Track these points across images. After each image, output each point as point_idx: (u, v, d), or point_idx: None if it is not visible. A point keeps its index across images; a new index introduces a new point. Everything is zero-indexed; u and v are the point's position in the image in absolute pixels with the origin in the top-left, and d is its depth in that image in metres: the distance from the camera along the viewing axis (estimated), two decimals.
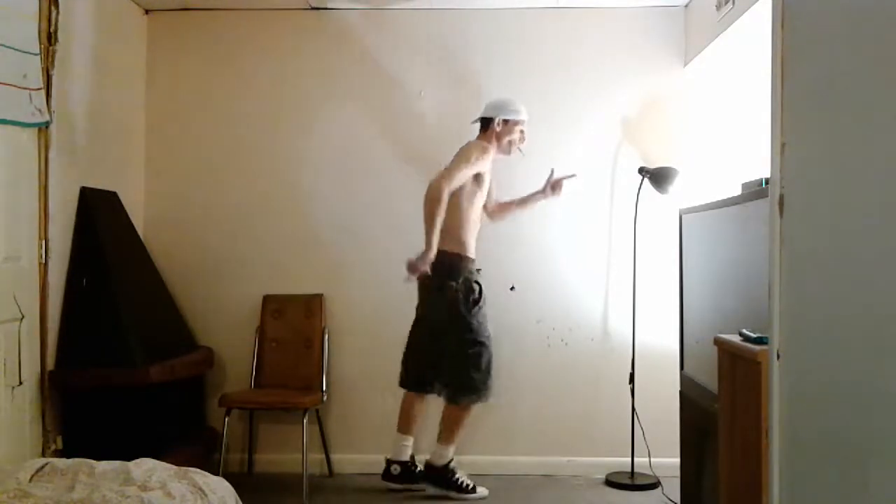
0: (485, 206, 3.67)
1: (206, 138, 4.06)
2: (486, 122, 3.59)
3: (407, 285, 3.47)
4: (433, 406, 3.64)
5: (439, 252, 3.37)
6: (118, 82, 3.83)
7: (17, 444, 2.97)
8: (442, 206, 3.30)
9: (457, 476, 3.50)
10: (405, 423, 3.56)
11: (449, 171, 3.37)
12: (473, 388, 3.46)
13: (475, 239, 3.53)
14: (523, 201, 3.77)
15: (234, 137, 4.05)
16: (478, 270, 3.50)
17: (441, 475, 3.50)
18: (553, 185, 3.74)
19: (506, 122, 3.55)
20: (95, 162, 3.57)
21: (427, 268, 3.30)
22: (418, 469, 3.55)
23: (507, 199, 3.81)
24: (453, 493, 3.48)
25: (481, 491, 3.52)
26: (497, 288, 3.88)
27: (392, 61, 4.03)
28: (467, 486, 3.50)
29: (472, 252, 3.47)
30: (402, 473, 3.53)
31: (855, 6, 1.31)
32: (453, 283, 3.40)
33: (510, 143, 3.56)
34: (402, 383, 3.59)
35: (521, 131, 3.59)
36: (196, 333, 3.96)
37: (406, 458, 3.55)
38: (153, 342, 3.41)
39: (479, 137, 3.59)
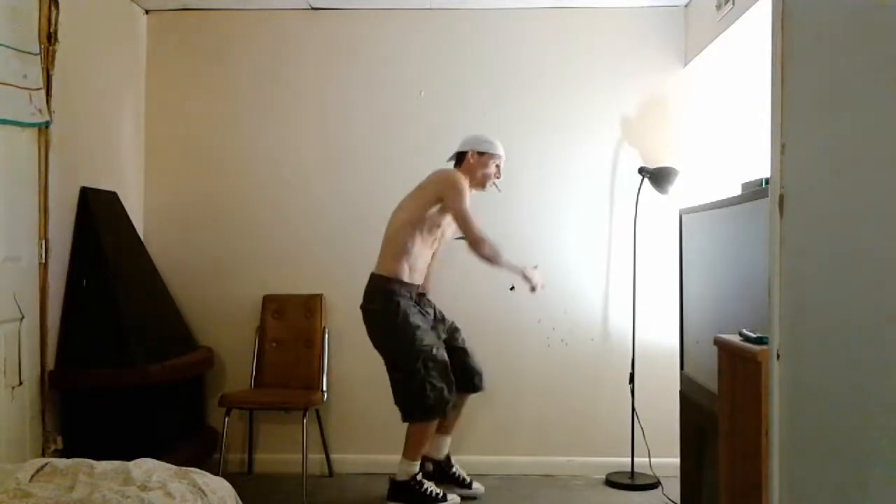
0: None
1: (206, 138, 4.06)
2: (460, 157, 3.49)
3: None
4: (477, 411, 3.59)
5: (371, 276, 3.37)
6: (118, 82, 3.83)
7: (17, 444, 2.96)
8: (490, 243, 3.28)
9: (425, 486, 3.37)
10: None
11: (464, 219, 3.29)
12: (409, 409, 3.32)
13: (418, 269, 3.38)
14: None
15: (233, 137, 4.05)
16: (420, 295, 3.40)
17: (407, 489, 3.36)
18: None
19: (480, 154, 3.44)
20: (95, 162, 3.58)
21: (536, 279, 3.42)
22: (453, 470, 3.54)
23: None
24: None
25: (452, 498, 3.42)
26: (497, 288, 3.88)
27: (392, 61, 4.03)
28: (436, 495, 3.37)
29: (405, 276, 3.32)
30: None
31: (855, 6, 1.31)
32: (371, 307, 3.33)
33: (485, 176, 3.45)
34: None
35: (497, 166, 3.48)
36: (196, 333, 3.96)
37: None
38: (153, 342, 3.41)
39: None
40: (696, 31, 3.81)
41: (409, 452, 3.37)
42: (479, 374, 3.54)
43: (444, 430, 3.51)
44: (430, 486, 3.39)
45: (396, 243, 3.36)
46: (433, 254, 3.51)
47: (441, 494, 3.39)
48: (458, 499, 3.45)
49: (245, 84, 4.05)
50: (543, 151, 3.98)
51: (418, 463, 3.39)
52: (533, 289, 3.45)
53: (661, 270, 3.82)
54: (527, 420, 3.97)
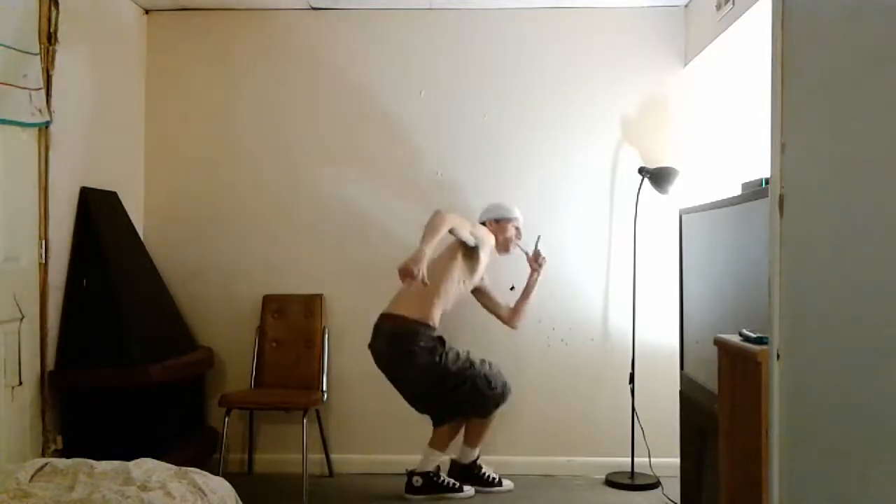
0: (500, 316, 3.77)
1: (206, 138, 4.06)
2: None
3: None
4: None
5: (401, 318, 3.41)
6: (118, 82, 3.83)
7: (17, 444, 2.97)
8: (443, 226, 3.27)
9: (483, 471, 3.63)
10: (441, 443, 3.55)
11: (451, 215, 3.37)
12: (486, 405, 3.53)
13: (441, 314, 3.48)
14: (527, 291, 3.78)
15: (233, 137, 4.05)
16: (438, 338, 3.46)
17: (468, 471, 3.61)
18: (535, 257, 3.77)
19: (497, 222, 3.66)
20: (95, 162, 3.57)
21: (420, 269, 3.11)
22: (441, 479, 3.54)
23: (513, 300, 3.81)
24: (480, 487, 3.59)
25: (507, 483, 3.66)
26: (497, 288, 3.88)
27: (392, 61, 4.03)
28: (492, 479, 3.63)
29: (434, 322, 3.44)
30: (425, 485, 3.50)
31: (855, 6, 1.31)
32: (416, 349, 3.38)
33: (507, 240, 3.67)
34: (436, 423, 3.57)
35: (517, 228, 3.70)
36: (196, 333, 3.96)
37: (431, 469, 3.52)
38: (153, 342, 3.41)
39: None
40: (696, 31, 3.81)
41: (473, 441, 3.62)
42: None
43: (445, 448, 3.58)
44: (488, 470, 3.66)
45: (436, 292, 3.42)
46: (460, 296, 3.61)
47: (498, 479, 3.66)
48: (511, 484, 3.66)
49: (245, 84, 4.05)
50: (543, 151, 3.98)
51: (479, 450, 3.65)
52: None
53: (661, 270, 3.82)
54: (527, 420, 3.97)
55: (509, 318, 3.76)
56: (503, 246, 3.68)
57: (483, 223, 3.67)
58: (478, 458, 3.65)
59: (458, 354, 3.46)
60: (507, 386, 3.57)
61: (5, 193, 2.93)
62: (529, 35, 4.01)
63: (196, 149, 4.07)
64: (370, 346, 3.49)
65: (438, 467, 3.54)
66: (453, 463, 3.63)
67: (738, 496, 1.98)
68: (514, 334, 3.92)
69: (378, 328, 3.47)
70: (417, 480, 3.49)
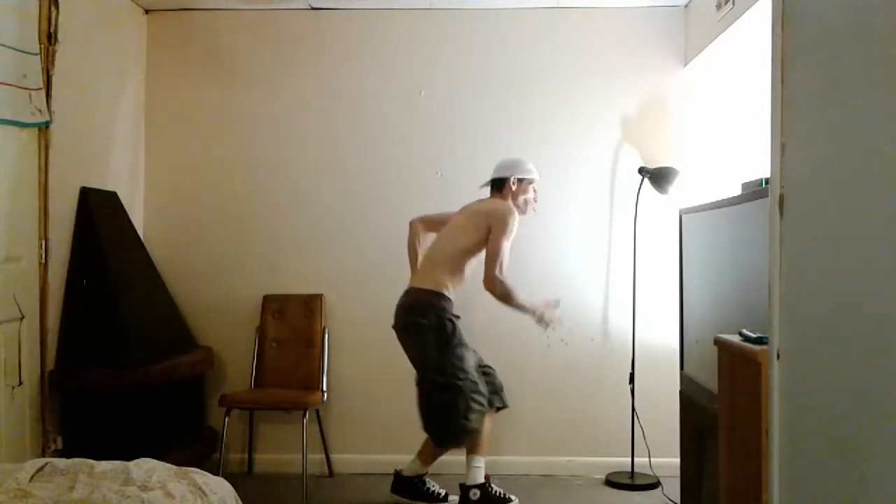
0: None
1: (206, 138, 4.06)
2: (500, 183, 3.45)
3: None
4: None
5: (416, 290, 3.31)
6: (118, 82, 3.83)
7: (17, 444, 2.97)
8: (507, 287, 3.23)
9: (427, 486, 3.41)
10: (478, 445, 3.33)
11: (496, 256, 3.24)
12: (448, 435, 3.29)
13: (460, 285, 3.37)
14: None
15: (233, 137, 4.05)
16: (455, 316, 3.33)
17: (411, 485, 3.40)
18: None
19: (520, 181, 3.44)
20: (95, 162, 3.58)
21: (552, 314, 3.34)
22: (495, 491, 3.37)
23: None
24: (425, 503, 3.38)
25: (452, 500, 3.41)
26: None
27: (392, 61, 4.03)
28: (438, 494, 3.41)
29: (449, 293, 3.31)
30: (482, 498, 3.30)
31: (855, 6, 1.31)
32: (424, 322, 3.24)
33: (526, 202, 3.45)
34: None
35: (534, 189, 3.50)
36: (196, 333, 3.97)
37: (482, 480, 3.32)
38: (153, 342, 3.41)
39: (494, 197, 3.46)
40: (696, 31, 3.81)
41: (425, 457, 3.39)
42: (503, 390, 3.49)
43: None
44: (432, 485, 3.42)
45: (454, 264, 3.33)
46: None
47: (444, 494, 3.41)
48: (457, 499, 3.45)
49: (245, 84, 4.05)
50: (543, 151, 3.98)
51: (428, 468, 3.41)
52: (545, 325, 3.38)
53: (661, 270, 3.82)
54: (527, 420, 3.97)
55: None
56: (521, 208, 3.42)
57: (503, 179, 3.43)
58: (425, 473, 3.40)
59: (461, 355, 3.24)
60: (480, 426, 3.27)
61: (5, 193, 2.93)
62: (529, 35, 4.01)
63: (196, 149, 4.07)
64: (393, 327, 3.35)
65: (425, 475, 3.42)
66: (396, 474, 3.43)
67: (738, 496, 1.98)
68: (514, 334, 3.92)
69: (398, 306, 3.35)
70: (475, 493, 3.30)
